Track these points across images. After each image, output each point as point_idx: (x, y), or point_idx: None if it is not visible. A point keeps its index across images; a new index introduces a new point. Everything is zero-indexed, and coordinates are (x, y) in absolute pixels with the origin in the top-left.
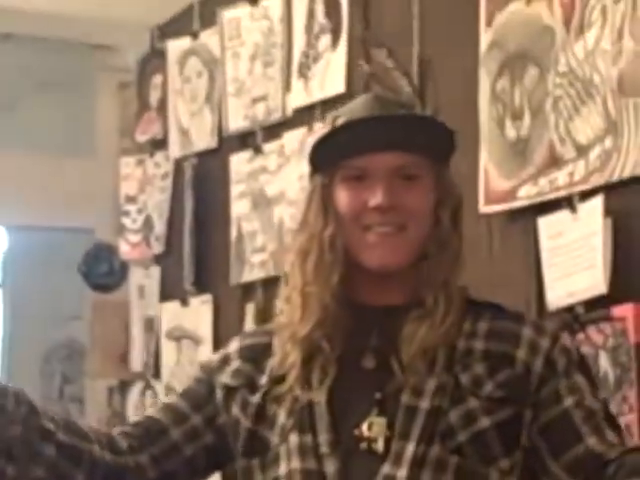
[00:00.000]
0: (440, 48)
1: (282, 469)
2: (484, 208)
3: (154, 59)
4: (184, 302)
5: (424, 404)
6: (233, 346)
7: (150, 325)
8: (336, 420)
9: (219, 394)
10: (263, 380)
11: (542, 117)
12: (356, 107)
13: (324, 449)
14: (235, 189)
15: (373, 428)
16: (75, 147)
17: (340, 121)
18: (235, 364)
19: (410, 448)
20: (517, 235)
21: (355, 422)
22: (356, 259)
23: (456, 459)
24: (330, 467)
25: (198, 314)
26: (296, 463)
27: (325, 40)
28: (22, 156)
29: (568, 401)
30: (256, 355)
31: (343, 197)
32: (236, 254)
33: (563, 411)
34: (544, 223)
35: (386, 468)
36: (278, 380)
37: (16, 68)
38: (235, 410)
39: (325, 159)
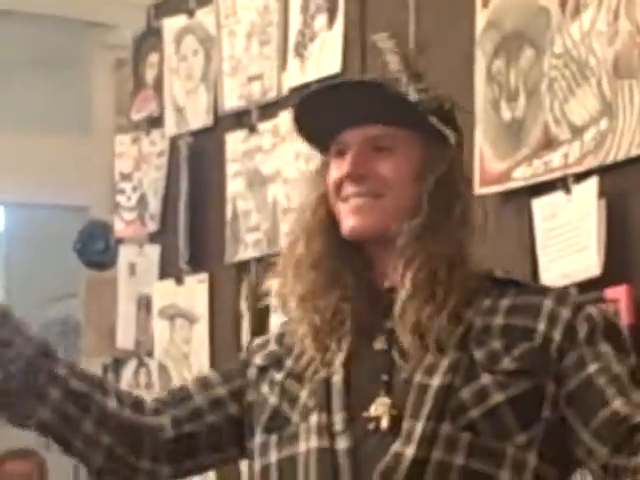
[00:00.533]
0: (436, 28)
1: (301, 447)
2: (479, 189)
3: (150, 37)
4: (179, 280)
5: (435, 382)
6: (275, 330)
7: (143, 303)
8: (350, 400)
9: (252, 372)
10: (289, 362)
11: (537, 98)
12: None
13: (337, 427)
14: (230, 168)
15: (378, 408)
16: (71, 124)
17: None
18: (271, 347)
19: (420, 425)
20: (511, 216)
21: (365, 404)
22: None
23: (468, 436)
24: (342, 444)
25: (194, 293)
26: (314, 442)
27: (321, 19)
28: (17, 134)
29: (592, 367)
30: (290, 340)
31: (329, 173)
32: (231, 233)
33: (587, 377)
34: (538, 205)
35: (396, 446)
36: (300, 359)
37: (12, 45)
38: (264, 388)
39: (317, 139)
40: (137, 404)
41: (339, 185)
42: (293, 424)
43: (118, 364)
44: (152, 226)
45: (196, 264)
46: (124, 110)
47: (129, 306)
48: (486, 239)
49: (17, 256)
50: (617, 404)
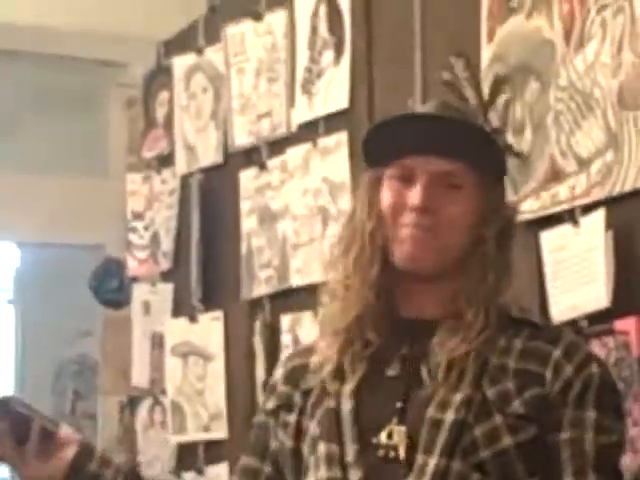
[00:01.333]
0: (442, 63)
1: (310, 479)
2: None
3: (160, 75)
4: (192, 318)
5: (449, 417)
6: (278, 373)
7: (157, 341)
8: (360, 428)
9: (271, 424)
10: (297, 397)
11: (543, 131)
12: (423, 108)
13: (349, 458)
14: (244, 205)
15: (393, 436)
16: (85, 163)
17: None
18: (279, 389)
19: (433, 462)
20: (520, 249)
21: (375, 429)
22: (391, 257)
23: (478, 476)
24: (354, 477)
25: (208, 330)
26: (323, 473)
27: (328, 55)
28: (32, 173)
29: (564, 434)
30: (295, 376)
31: (387, 195)
32: (246, 270)
33: (556, 443)
34: (546, 237)
35: None
36: (309, 393)
37: (24, 85)
38: (280, 433)
39: (377, 154)
40: None
41: (398, 211)
42: (305, 457)
43: (134, 402)
44: (165, 264)
45: (209, 301)
46: (136, 148)
47: (144, 344)
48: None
49: (32, 294)
50: None
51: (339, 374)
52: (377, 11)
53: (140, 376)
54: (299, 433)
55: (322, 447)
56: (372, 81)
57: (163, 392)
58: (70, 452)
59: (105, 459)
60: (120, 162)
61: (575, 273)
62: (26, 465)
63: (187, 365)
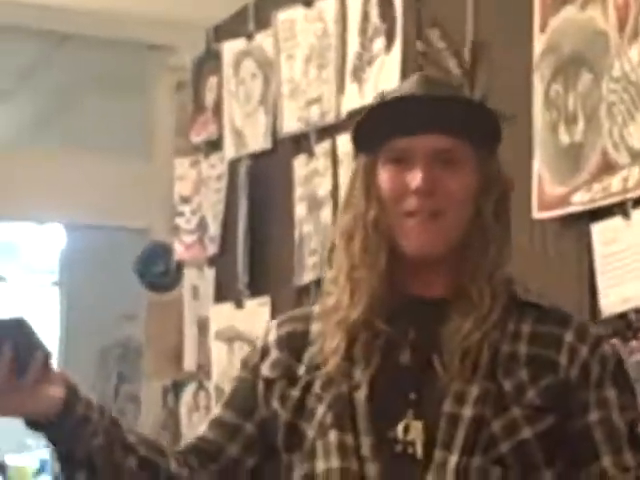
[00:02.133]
0: (494, 53)
1: (320, 466)
2: (537, 213)
3: (209, 60)
4: (238, 304)
5: (467, 412)
6: (271, 335)
7: (203, 326)
8: (375, 419)
9: (260, 388)
10: (301, 371)
11: (596, 122)
12: (404, 87)
13: (366, 451)
14: (296, 192)
15: (410, 431)
16: (132, 147)
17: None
18: (274, 354)
19: (453, 459)
20: (570, 241)
21: (390, 423)
22: (397, 244)
23: (498, 470)
24: (371, 470)
25: (254, 316)
26: (335, 462)
27: (379, 42)
28: (80, 156)
29: (593, 415)
30: (294, 343)
31: (385, 179)
32: (298, 257)
33: (586, 425)
34: (597, 229)
35: (430, 479)
36: (317, 370)
37: (74, 69)
38: (274, 403)
39: (368, 139)
40: (188, 464)
41: (400, 196)
42: (308, 440)
43: (178, 386)
44: (211, 249)
45: (255, 287)
46: (184, 133)
47: (192, 329)
48: (545, 263)
49: (78, 277)
50: (607, 463)
51: (349, 358)
52: None
53: (190, 360)
54: (300, 410)
55: (333, 435)
56: (422, 69)
57: (208, 376)
58: (60, 390)
59: (89, 401)
60: (167, 146)
61: (626, 266)
62: (15, 396)
63: (232, 350)
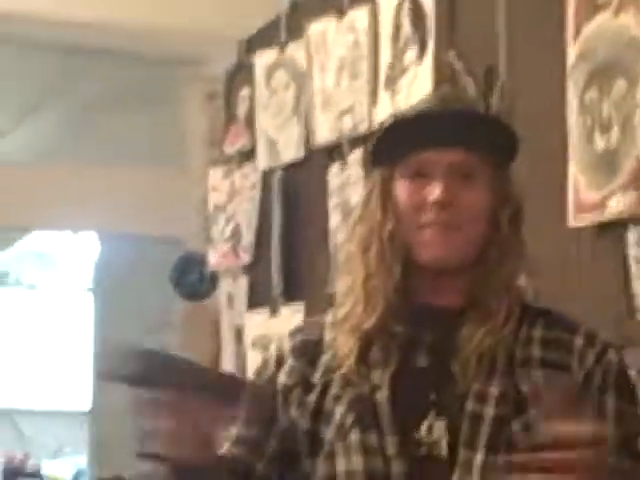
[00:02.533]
0: (528, 60)
1: (340, 466)
2: (573, 220)
3: (241, 72)
4: (273, 311)
5: (489, 412)
6: (286, 345)
7: (238, 334)
8: (398, 419)
9: (279, 398)
10: (317, 377)
11: (630, 129)
12: (421, 103)
13: (391, 450)
14: (331, 201)
15: (434, 431)
16: (165, 158)
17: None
18: (289, 362)
19: (479, 457)
20: (607, 247)
21: (413, 423)
22: (413, 256)
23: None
24: (396, 469)
25: (289, 323)
26: (358, 462)
27: (411, 53)
28: (115, 166)
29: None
30: (308, 351)
31: (402, 192)
32: (333, 264)
33: None
34: (632, 236)
35: (456, 479)
36: (332, 373)
37: (107, 81)
38: (293, 412)
39: (386, 153)
40: None
41: (418, 208)
42: (327, 443)
43: None
44: (245, 258)
45: (289, 295)
46: (216, 142)
47: (229, 336)
48: (581, 270)
49: (112, 286)
50: None
51: (365, 361)
52: (461, 8)
53: (228, 367)
54: (318, 415)
55: (355, 435)
56: (455, 79)
57: None
58: None
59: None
60: (199, 156)
61: None
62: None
63: None
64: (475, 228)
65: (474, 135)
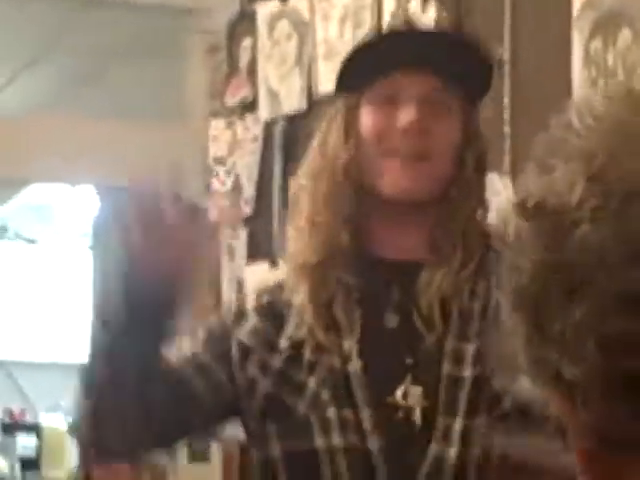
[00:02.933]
0: (532, 10)
1: (319, 443)
2: None
3: (243, 22)
4: (273, 263)
5: (466, 374)
6: (249, 302)
7: (239, 286)
8: (372, 390)
9: (234, 351)
10: (283, 341)
11: (636, 79)
12: (388, 27)
13: (367, 425)
14: None
15: (408, 397)
16: (165, 110)
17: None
18: (252, 321)
19: (457, 424)
20: None
21: (388, 389)
22: (374, 190)
23: (502, 427)
24: (374, 444)
25: None
26: (337, 439)
27: (415, 2)
28: (115, 119)
29: None
30: (275, 313)
31: (368, 119)
32: None
33: None
34: None
35: (434, 447)
36: (301, 341)
37: (107, 33)
38: (252, 370)
39: (353, 79)
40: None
41: (384, 134)
42: (300, 415)
43: None
44: (246, 210)
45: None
46: (218, 95)
47: (229, 288)
48: None
49: (110, 240)
50: None
51: (332, 324)
52: None
53: None
54: (282, 380)
55: (333, 412)
56: (460, 29)
57: None
58: None
59: None
60: (200, 108)
61: None
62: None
63: None
64: (444, 162)
65: (445, 58)
